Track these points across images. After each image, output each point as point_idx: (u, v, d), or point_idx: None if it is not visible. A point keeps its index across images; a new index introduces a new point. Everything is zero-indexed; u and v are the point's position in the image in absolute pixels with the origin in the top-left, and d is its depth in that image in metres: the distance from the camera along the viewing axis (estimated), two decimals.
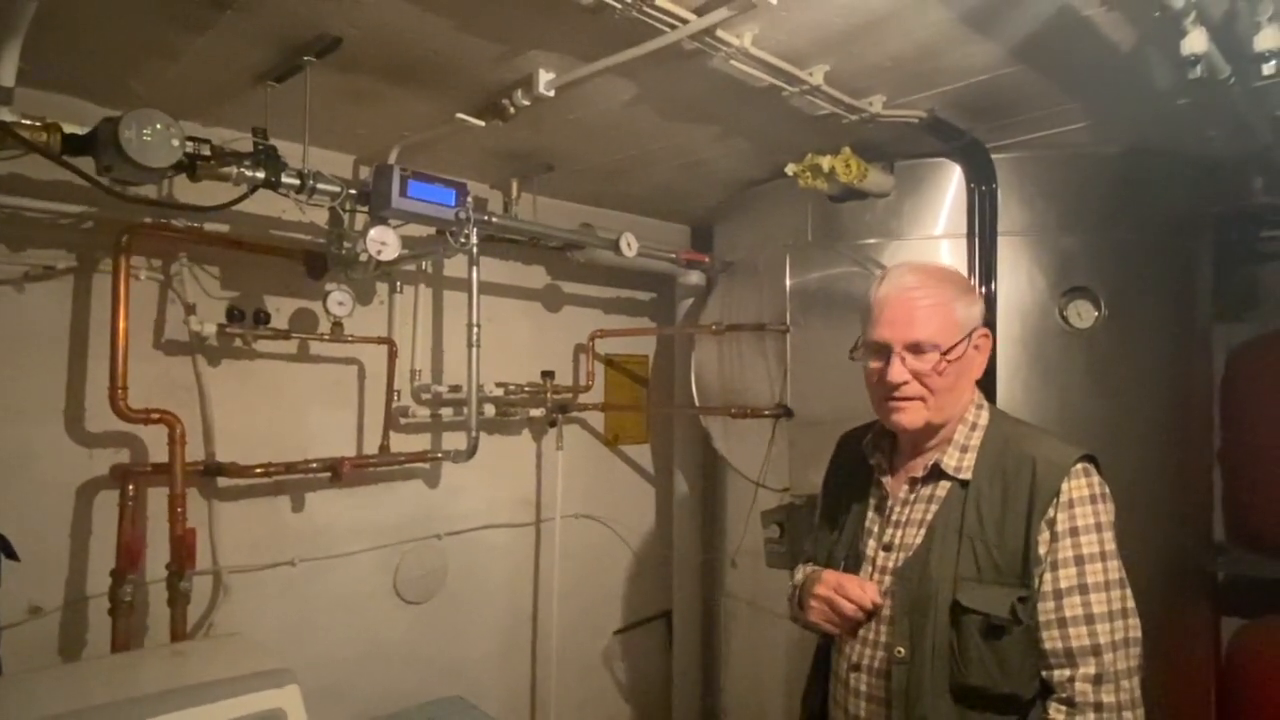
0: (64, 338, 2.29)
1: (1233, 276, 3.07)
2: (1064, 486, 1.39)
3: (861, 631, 1.50)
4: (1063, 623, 1.36)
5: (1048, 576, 1.38)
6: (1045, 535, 1.38)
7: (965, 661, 1.36)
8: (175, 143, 1.84)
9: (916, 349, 1.45)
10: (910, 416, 1.48)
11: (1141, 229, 2.63)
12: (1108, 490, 1.43)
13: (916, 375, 1.46)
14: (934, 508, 1.48)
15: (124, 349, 2.19)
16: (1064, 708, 1.35)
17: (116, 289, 2.20)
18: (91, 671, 2.00)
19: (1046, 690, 1.38)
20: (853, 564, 1.57)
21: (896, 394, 1.47)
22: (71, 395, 2.30)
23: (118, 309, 2.20)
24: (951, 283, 1.52)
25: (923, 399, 1.47)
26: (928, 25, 1.85)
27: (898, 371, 1.46)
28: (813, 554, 1.71)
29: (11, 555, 1.97)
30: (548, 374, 3.31)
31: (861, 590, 1.47)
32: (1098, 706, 1.32)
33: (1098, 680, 1.33)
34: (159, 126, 1.80)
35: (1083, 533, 1.37)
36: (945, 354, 1.45)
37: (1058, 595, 1.37)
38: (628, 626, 3.82)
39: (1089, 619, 1.35)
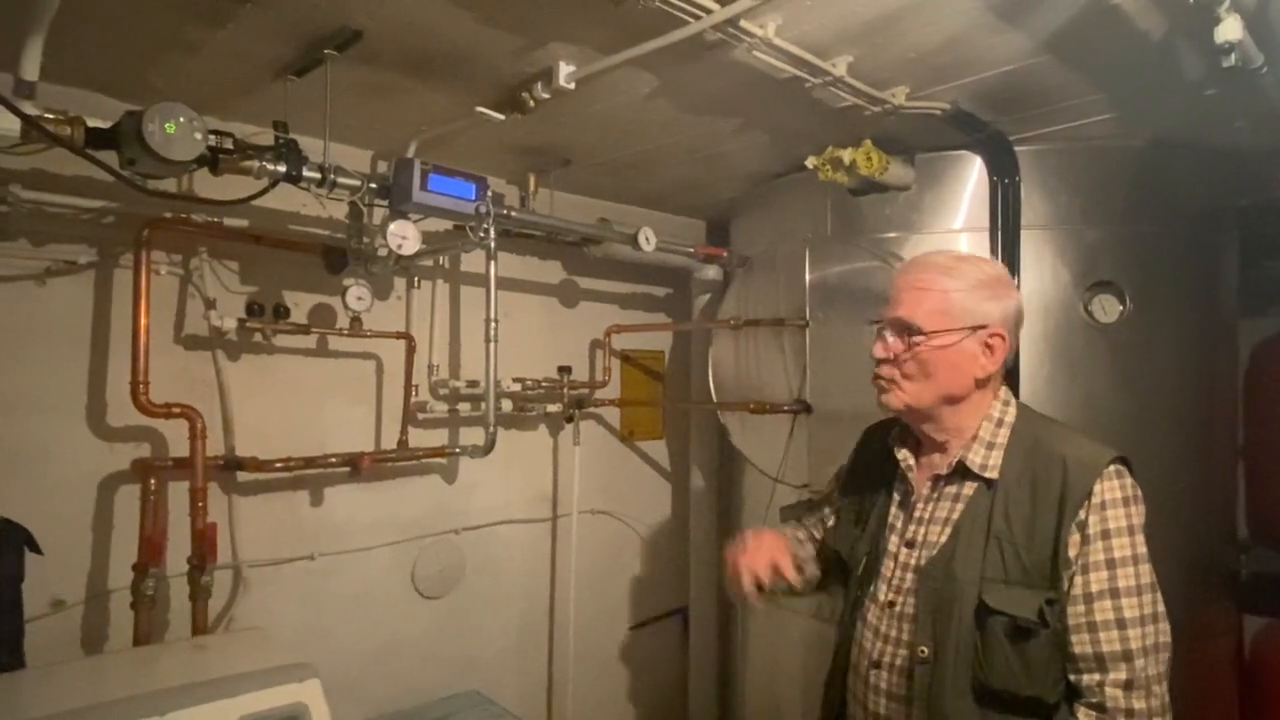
0: (85, 332, 2.30)
1: (1258, 271, 3.04)
2: (1096, 488, 1.35)
3: (883, 629, 1.49)
4: (1093, 627, 1.33)
5: (1078, 580, 1.35)
6: (1076, 537, 1.35)
7: (990, 663, 1.34)
8: (198, 136, 1.82)
9: (896, 326, 1.46)
10: (888, 397, 1.49)
11: (1167, 222, 2.60)
12: (1140, 493, 1.39)
13: (894, 355, 1.46)
14: (960, 506, 1.45)
15: (145, 344, 2.21)
16: (1093, 713, 1.32)
17: (137, 284, 2.21)
18: (114, 665, 2.02)
19: (1071, 694, 1.36)
20: (874, 559, 1.55)
21: (875, 370, 1.50)
22: (93, 390, 2.31)
23: (138, 304, 2.21)
24: (964, 275, 1.46)
25: (894, 380, 1.47)
26: (953, 15, 1.83)
27: (878, 346, 1.47)
28: (802, 516, 1.73)
29: (34, 549, 1.98)
30: (564, 369, 3.31)
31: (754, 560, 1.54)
32: (1129, 713, 1.30)
33: (1128, 686, 1.30)
34: (182, 120, 1.79)
35: (1114, 535, 1.34)
36: (922, 337, 1.43)
37: (1088, 599, 1.34)
38: (644, 622, 3.81)
39: (1120, 624, 1.32)
